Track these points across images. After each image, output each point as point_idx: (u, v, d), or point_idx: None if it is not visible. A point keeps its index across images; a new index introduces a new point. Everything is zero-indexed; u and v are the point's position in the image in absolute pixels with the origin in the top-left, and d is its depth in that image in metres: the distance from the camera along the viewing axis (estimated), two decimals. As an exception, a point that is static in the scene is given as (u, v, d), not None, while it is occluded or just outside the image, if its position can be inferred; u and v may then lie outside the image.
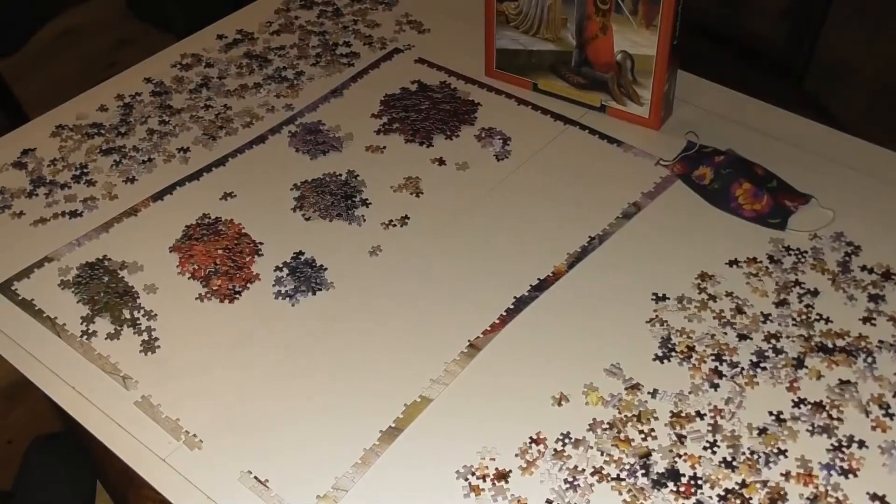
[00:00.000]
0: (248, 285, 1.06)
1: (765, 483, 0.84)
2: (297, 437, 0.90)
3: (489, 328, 0.99)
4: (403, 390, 0.93)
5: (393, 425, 0.90)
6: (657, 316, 0.99)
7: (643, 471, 0.85)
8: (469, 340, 0.98)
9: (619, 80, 1.22)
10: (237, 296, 1.05)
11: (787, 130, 1.21)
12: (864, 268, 1.03)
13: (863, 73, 1.61)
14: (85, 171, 1.23)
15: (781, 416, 0.89)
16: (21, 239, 1.14)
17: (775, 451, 0.86)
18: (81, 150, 1.27)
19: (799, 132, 1.21)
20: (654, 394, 0.92)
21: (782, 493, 0.83)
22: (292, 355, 0.98)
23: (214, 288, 1.06)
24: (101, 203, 1.18)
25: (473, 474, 0.86)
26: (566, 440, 0.88)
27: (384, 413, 0.91)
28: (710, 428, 0.88)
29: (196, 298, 1.05)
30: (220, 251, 1.10)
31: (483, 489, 0.85)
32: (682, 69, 1.25)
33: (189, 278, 1.07)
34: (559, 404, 0.91)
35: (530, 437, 0.89)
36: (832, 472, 0.85)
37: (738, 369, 0.93)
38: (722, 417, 0.89)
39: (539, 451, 0.87)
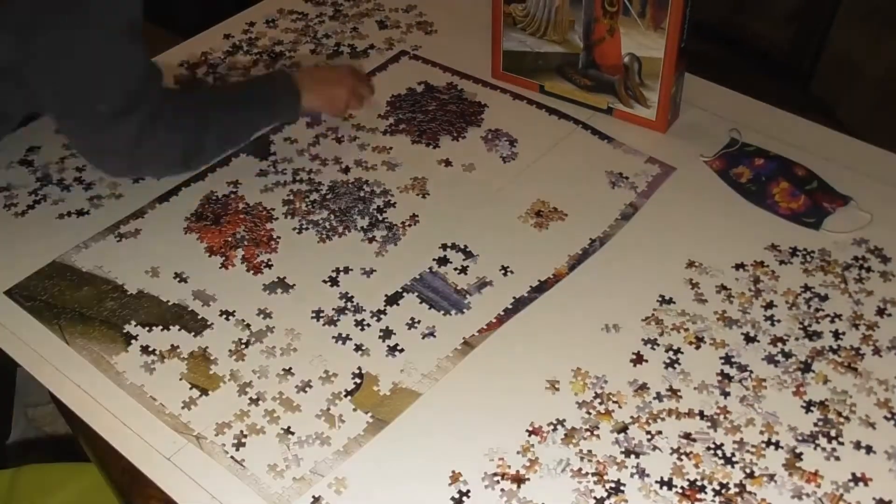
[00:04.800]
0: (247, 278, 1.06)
1: (772, 476, 0.84)
2: (286, 423, 0.91)
3: (485, 326, 0.99)
4: (397, 383, 0.94)
5: (379, 417, 0.91)
6: (662, 318, 0.99)
7: (644, 472, 0.85)
8: (464, 338, 0.98)
9: (627, 82, 1.22)
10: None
11: (793, 133, 1.21)
12: (870, 270, 1.03)
13: (870, 75, 1.61)
14: (91, 169, 1.23)
15: (786, 418, 0.89)
16: (27, 237, 1.13)
17: (782, 454, 0.86)
18: (88, 148, 1.27)
19: (806, 135, 1.21)
20: (658, 396, 0.91)
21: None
22: (294, 351, 0.98)
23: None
24: (107, 202, 1.18)
25: (461, 474, 0.86)
26: (562, 437, 0.88)
27: (374, 405, 0.92)
28: (710, 426, 0.88)
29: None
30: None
31: (470, 490, 0.84)
32: (689, 72, 1.24)
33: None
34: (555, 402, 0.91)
35: (526, 430, 0.89)
36: (839, 476, 0.84)
37: (746, 372, 0.93)
38: (728, 419, 0.89)
39: (534, 443, 0.87)
